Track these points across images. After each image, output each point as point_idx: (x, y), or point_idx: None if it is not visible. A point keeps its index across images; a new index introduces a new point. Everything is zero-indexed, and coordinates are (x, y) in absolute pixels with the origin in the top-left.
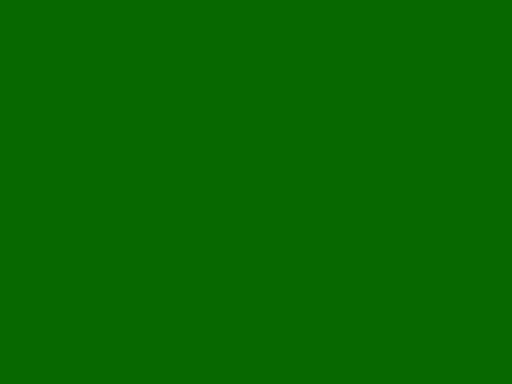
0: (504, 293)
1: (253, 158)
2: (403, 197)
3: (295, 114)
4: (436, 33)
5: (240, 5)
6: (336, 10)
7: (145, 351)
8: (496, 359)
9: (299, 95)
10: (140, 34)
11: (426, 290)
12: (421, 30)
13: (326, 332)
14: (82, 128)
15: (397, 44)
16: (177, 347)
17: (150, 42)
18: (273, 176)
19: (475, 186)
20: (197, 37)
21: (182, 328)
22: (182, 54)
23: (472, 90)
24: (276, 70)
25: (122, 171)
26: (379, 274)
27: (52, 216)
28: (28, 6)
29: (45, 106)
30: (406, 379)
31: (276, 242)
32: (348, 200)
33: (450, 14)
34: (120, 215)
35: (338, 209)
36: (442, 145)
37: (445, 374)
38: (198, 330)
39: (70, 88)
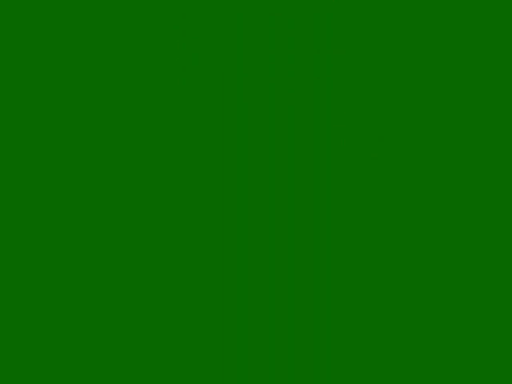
0: (504, 293)
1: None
2: (403, 197)
3: (295, 115)
4: (436, 33)
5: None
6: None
7: (144, 351)
8: (496, 359)
9: (300, 95)
10: (139, 35)
11: (426, 291)
12: (421, 31)
13: (326, 332)
14: (82, 128)
15: (397, 44)
16: (176, 347)
17: (149, 42)
18: (274, 176)
19: (475, 186)
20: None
21: (180, 328)
22: (181, 54)
23: (472, 90)
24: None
25: (121, 171)
26: (380, 274)
27: (50, 216)
28: (28, 6)
29: (44, 106)
30: (406, 379)
31: (276, 242)
32: (350, 200)
33: (451, 14)
34: (119, 215)
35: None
36: (443, 145)
37: (445, 374)
38: (198, 330)
39: (70, 88)
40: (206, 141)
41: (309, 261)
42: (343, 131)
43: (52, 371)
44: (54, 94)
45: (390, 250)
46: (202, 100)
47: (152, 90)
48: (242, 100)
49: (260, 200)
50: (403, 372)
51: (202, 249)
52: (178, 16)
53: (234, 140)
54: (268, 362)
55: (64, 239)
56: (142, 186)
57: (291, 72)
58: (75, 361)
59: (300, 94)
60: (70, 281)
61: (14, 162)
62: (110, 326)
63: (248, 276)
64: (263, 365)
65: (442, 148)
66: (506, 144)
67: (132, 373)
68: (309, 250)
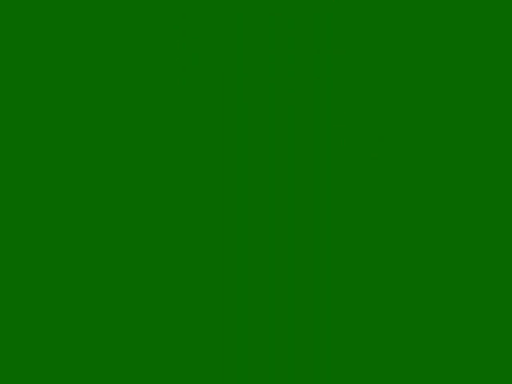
0: (504, 293)
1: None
2: (404, 197)
3: (296, 114)
4: (436, 33)
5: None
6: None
7: (145, 351)
8: (496, 359)
9: (300, 95)
10: (139, 34)
11: (425, 290)
12: (421, 30)
13: (326, 333)
14: (82, 128)
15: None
16: (176, 347)
17: (149, 41)
18: (274, 176)
19: (475, 185)
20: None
21: (181, 328)
22: (182, 53)
23: (472, 89)
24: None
25: (121, 171)
26: (381, 275)
27: (51, 216)
28: (28, 6)
29: (44, 106)
30: (405, 379)
31: (277, 243)
32: (350, 201)
33: (451, 14)
34: (120, 216)
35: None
36: (442, 145)
37: (445, 374)
38: (198, 330)
39: (70, 88)
40: (206, 140)
41: (309, 260)
42: (343, 131)
43: (52, 371)
44: (54, 94)
45: (390, 249)
46: (202, 100)
47: (152, 90)
48: (242, 100)
49: (260, 200)
50: (403, 372)
51: (202, 248)
52: (178, 16)
53: (234, 140)
54: (268, 362)
55: (64, 239)
56: (142, 186)
57: (291, 72)
58: (75, 361)
59: (300, 94)
60: (70, 281)
61: (14, 162)
62: (110, 325)
63: (248, 276)
64: (263, 365)
65: (441, 148)
66: (506, 144)
67: (132, 373)
68: (309, 249)
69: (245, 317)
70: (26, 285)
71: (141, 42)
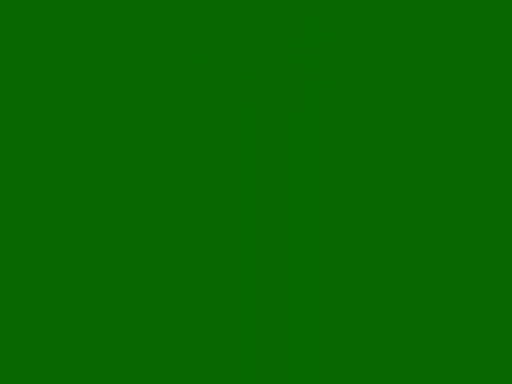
0: (504, 293)
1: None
2: (404, 197)
3: (296, 114)
4: (436, 33)
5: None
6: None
7: (144, 351)
8: (496, 359)
9: (300, 95)
10: (140, 34)
11: (425, 290)
12: (421, 30)
13: (326, 332)
14: (82, 128)
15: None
16: (176, 347)
17: (149, 41)
18: (274, 176)
19: (475, 186)
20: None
21: (181, 328)
22: (182, 53)
23: (472, 89)
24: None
25: (121, 171)
26: (380, 275)
27: (51, 216)
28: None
29: (44, 106)
30: (405, 379)
31: (277, 243)
32: (350, 201)
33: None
34: (120, 216)
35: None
36: (442, 145)
37: (445, 374)
38: (198, 330)
39: (70, 88)
40: (206, 141)
41: (309, 261)
42: (343, 131)
43: (52, 371)
44: (54, 95)
45: (390, 250)
46: (202, 100)
47: (152, 90)
48: (242, 100)
49: (260, 200)
50: (403, 372)
51: (202, 249)
52: (178, 16)
53: (234, 140)
54: (268, 362)
55: (64, 239)
56: (142, 186)
57: (291, 72)
58: (75, 361)
59: (300, 94)
60: (70, 281)
61: (14, 162)
62: (110, 325)
63: (248, 276)
64: (263, 365)
65: (441, 148)
66: (506, 144)
67: (132, 373)
68: (309, 250)
69: (245, 316)
70: (26, 285)
71: (141, 41)
